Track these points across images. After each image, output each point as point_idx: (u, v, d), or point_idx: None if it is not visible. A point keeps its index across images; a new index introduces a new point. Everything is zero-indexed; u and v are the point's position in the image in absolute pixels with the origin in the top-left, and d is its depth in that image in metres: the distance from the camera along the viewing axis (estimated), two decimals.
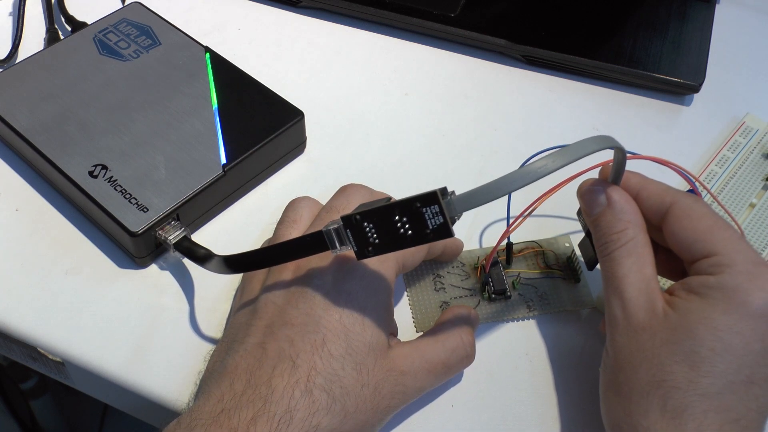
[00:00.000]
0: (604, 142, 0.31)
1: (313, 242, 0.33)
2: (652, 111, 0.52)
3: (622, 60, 0.52)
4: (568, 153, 0.30)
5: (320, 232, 0.32)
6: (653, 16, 0.55)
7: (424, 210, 0.30)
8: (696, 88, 0.51)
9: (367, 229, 0.31)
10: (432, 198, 0.30)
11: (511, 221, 0.40)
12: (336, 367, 0.32)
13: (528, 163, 0.31)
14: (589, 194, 0.36)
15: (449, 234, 0.30)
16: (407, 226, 0.31)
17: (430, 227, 0.30)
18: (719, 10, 0.57)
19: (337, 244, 0.32)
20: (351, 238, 0.32)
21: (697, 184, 0.40)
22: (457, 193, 0.30)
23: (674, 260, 0.36)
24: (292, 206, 0.40)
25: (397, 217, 0.31)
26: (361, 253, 0.32)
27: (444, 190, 0.31)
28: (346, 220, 0.31)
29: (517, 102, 0.52)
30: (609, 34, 0.54)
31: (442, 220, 0.30)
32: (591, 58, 0.52)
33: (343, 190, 0.39)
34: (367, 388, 0.33)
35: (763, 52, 0.56)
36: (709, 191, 0.44)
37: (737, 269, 0.32)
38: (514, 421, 0.37)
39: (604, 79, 0.53)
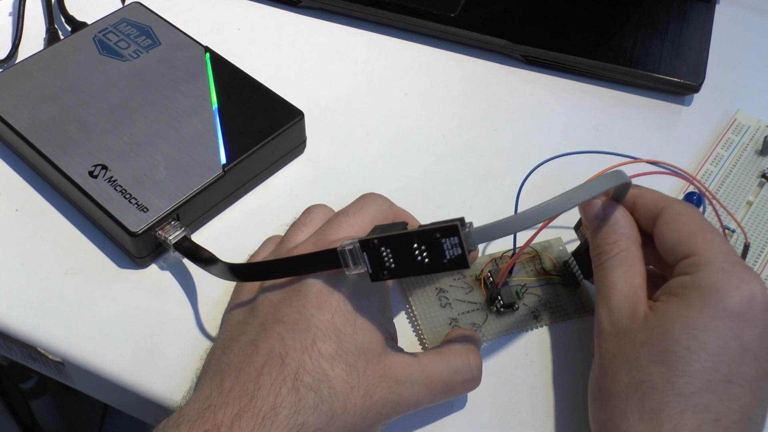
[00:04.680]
0: (616, 178, 0.33)
1: (326, 258, 0.33)
2: (652, 111, 0.52)
3: (622, 60, 0.52)
4: (584, 191, 0.32)
5: (334, 250, 0.33)
6: (653, 16, 0.55)
7: (443, 241, 0.31)
8: (696, 88, 0.51)
9: (384, 253, 0.32)
10: (452, 230, 0.30)
11: (517, 248, 0.41)
12: (325, 366, 0.32)
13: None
14: (589, 207, 0.36)
15: (466, 265, 0.31)
16: (425, 254, 0.31)
17: (448, 257, 0.31)
18: (719, 10, 0.57)
19: (351, 264, 0.33)
20: (367, 261, 0.32)
21: (695, 183, 0.40)
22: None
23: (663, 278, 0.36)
24: (307, 211, 0.40)
25: (415, 245, 0.31)
26: (376, 276, 0.32)
27: (462, 220, 0.31)
28: (364, 243, 0.32)
29: (517, 102, 0.52)
30: (609, 34, 0.54)
31: (460, 252, 0.31)
32: (591, 58, 0.52)
33: (361, 198, 0.39)
34: (357, 391, 0.32)
35: (763, 52, 0.56)
36: (707, 189, 0.44)
37: (713, 268, 0.32)
38: (514, 421, 0.37)
39: (604, 79, 0.53)
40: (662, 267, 0.36)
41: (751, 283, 0.32)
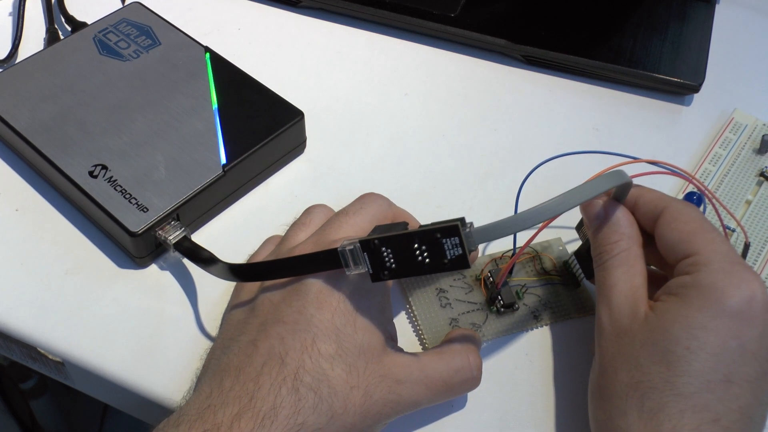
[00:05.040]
0: (617, 178, 0.33)
1: (327, 259, 0.33)
2: (652, 111, 0.52)
3: (622, 60, 0.52)
4: (585, 191, 0.32)
5: (335, 250, 0.33)
6: (653, 16, 0.55)
7: (444, 241, 0.31)
8: (696, 88, 0.51)
9: (385, 254, 0.32)
10: (453, 230, 0.30)
11: (517, 248, 0.41)
12: (325, 366, 0.32)
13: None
14: (590, 207, 0.37)
15: (467, 265, 0.31)
16: (425, 254, 0.31)
17: (449, 257, 0.31)
18: (719, 10, 0.57)
19: (351, 264, 0.33)
20: (368, 262, 0.32)
21: (694, 182, 0.40)
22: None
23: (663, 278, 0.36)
24: (307, 211, 0.40)
25: (416, 245, 0.31)
26: (376, 276, 0.32)
27: (462, 220, 0.31)
28: (365, 243, 0.32)
29: (517, 102, 0.52)
30: (609, 34, 0.54)
31: (460, 252, 0.31)
32: (591, 58, 0.52)
33: (361, 198, 0.39)
34: (356, 391, 0.32)
35: (763, 51, 0.56)
36: (707, 189, 0.44)
37: (713, 267, 0.32)
38: (514, 421, 0.37)
39: (604, 79, 0.53)
40: (663, 267, 0.37)
41: (751, 283, 0.32)
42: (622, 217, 0.36)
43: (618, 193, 0.36)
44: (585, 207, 0.37)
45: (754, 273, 0.32)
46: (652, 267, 0.37)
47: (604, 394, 0.33)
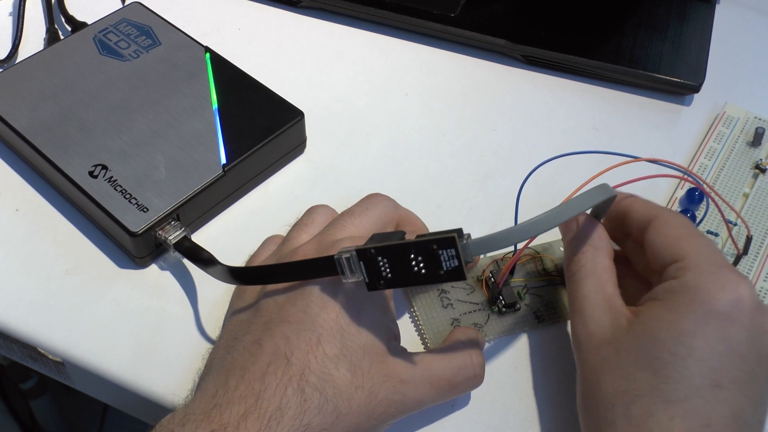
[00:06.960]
0: (603, 192, 0.34)
1: (324, 266, 0.33)
2: (652, 111, 0.52)
3: (622, 60, 0.52)
4: (575, 205, 0.32)
5: (332, 257, 0.33)
6: (653, 16, 0.56)
7: (440, 252, 0.31)
8: (696, 88, 0.51)
9: (381, 263, 0.32)
10: (450, 242, 0.31)
11: (519, 247, 0.41)
12: (330, 366, 0.32)
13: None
14: (563, 222, 0.37)
15: (462, 277, 0.31)
16: (421, 265, 0.31)
17: (445, 269, 0.31)
18: (719, 10, 0.57)
19: (348, 272, 0.33)
20: (364, 270, 0.32)
21: (697, 179, 0.40)
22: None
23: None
24: (309, 211, 0.40)
25: (412, 256, 0.31)
26: (372, 285, 0.32)
27: (460, 231, 0.32)
28: (361, 252, 0.32)
29: (517, 102, 0.52)
30: (609, 34, 0.54)
31: (456, 264, 0.31)
32: (591, 58, 0.52)
33: (367, 198, 0.39)
34: (361, 391, 0.32)
35: (763, 51, 0.56)
36: (706, 183, 0.44)
37: (698, 271, 0.32)
38: (514, 422, 0.37)
39: (604, 79, 0.53)
40: (651, 276, 0.36)
41: (738, 284, 0.32)
42: (589, 229, 0.36)
43: (597, 209, 0.36)
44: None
45: (742, 275, 0.32)
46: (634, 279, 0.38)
47: (590, 405, 0.33)
